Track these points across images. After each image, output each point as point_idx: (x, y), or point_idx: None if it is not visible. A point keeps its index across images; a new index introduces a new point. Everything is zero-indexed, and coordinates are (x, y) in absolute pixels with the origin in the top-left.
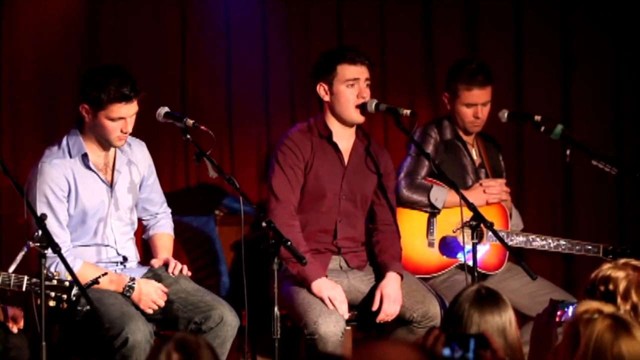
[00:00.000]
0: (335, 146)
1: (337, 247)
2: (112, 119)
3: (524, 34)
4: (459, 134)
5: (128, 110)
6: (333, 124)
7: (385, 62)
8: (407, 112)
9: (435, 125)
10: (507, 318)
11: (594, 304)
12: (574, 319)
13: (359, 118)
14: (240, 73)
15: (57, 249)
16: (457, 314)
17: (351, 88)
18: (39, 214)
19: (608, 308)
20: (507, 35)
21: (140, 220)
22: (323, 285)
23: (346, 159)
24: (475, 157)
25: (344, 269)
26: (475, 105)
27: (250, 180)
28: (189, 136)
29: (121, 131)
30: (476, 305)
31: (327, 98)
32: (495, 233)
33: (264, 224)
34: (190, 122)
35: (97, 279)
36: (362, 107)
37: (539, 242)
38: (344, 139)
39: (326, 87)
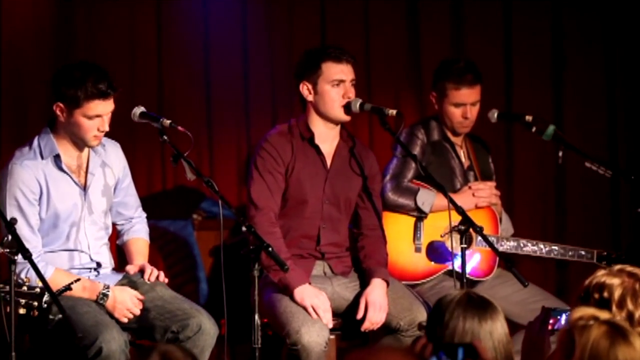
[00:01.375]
0: (317, 149)
1: (320, 253)
2: (89, 117)
3: (514, 31)
4: (446, 135)
5: (105, 108)
6: (316, 124)
7: (370, 60)
8: (393, 112)
9: (422, 126)
10: (505, 325)
11: (589, 310)
12: (569, 326)
13: (344, 117)
14: (219, 71)
15: (27, 255)
16: (464, 329)
17: (336, 88)
18: (8, 217)
19: (604, 314)
20: (496, 32)
21: (114, 225)
22: (306, 293)
23: (329, 162)
24: (463, 159)
25: (328, 275)
26: (464, 105)
27: (230, 182)
28: (165, 137)
29: (98, 130)
30: (480, 316)
31: (310, 98)
32: (484, 238)
33: (244, 229)
34: (167, 122)
35: (69, 285)
36: (346, 107)
37: (530, 248)
38: (328, 140)
39: (310, 87)
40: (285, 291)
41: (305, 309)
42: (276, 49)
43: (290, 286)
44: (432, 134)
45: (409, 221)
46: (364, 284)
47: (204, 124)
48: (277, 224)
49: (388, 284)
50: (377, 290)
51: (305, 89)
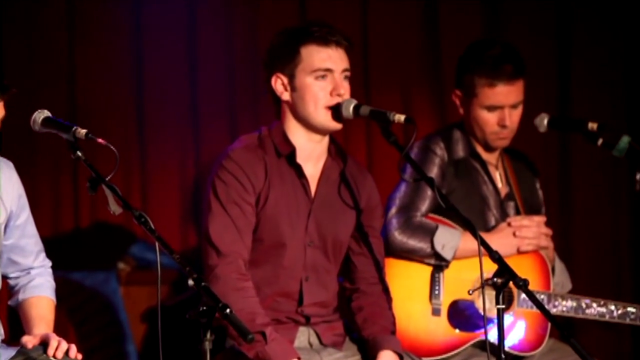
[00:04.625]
0: (298, 169)
1: (304, 317)
2: None
3: (573, 8)
4: (476, 151)
5: None
6: (296, 134)
7: (368, 45)
8: (401, 117)
9: (442, 138)
10: None
11: None
12: None
13: (332, 124)
14: (155, 59)
15: None
16: None
17: (322, 81)
18: None
19: None
20: (546, 6)
21: (4, 278)
22: None
23: (313, 189)
24: (500, 185)
25: (315, 347)
26: (501, 108)
27: (171, 217)
28: (79, 153)
29: None
30: None
31: (286, 95)
32: (530, 296)
33: (191, 282)
34: (82, 132)
35: None
36: (335, 110)
37: (596, 310)
38: (312, 157)
39: (285, 80)
40: None
41: None
42: (236, 26)
43: None
44: (456, 149)
45: (423, 272)
46: (366, 358)
47: (134, 135)
48: (249, 275)
49: (402, 359)
50: None
51: (278, 83)
